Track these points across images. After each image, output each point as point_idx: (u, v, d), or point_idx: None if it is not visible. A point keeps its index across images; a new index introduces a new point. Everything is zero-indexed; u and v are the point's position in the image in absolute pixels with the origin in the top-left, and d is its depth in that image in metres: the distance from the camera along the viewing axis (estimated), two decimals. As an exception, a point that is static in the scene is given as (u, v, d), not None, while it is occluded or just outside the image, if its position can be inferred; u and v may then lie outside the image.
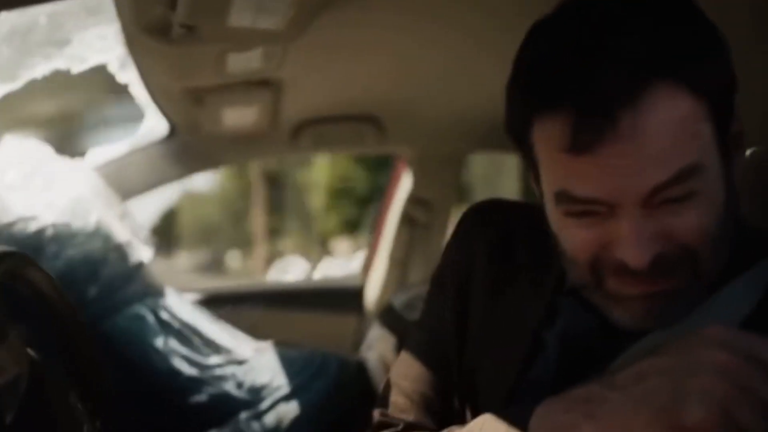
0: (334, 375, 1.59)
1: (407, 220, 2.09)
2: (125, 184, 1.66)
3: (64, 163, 1.47)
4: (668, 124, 0.62)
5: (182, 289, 1.72)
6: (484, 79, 1.56)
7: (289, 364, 1.54)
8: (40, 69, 1.25)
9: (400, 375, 0.87)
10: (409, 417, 0.83)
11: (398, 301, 1.82)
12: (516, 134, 0.70)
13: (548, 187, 0.68)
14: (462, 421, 0.79)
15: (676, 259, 0.65)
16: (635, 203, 0.63)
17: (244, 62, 1.31)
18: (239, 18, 1.07)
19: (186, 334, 1.47)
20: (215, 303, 1.83)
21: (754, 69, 1.16)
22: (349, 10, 1.12)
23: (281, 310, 2.04)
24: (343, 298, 2.15)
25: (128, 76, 1.42)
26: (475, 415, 0.77)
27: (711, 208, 0.65)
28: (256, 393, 1.47)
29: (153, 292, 1.48)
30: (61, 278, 1.19)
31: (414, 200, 2.06)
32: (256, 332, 1.66)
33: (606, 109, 0.61)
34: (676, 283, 0.65)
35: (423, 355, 0.86)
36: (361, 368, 1.71)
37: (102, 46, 1.29)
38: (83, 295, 1.33)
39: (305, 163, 11.04)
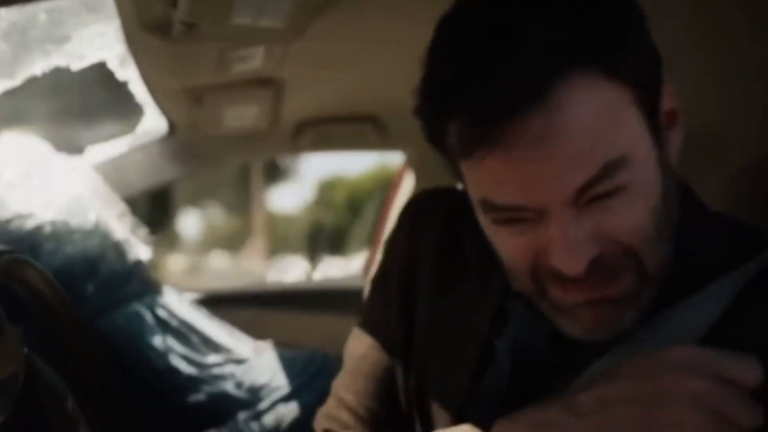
0: (334, 375, 1.58)
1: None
2: (124, 182, 1.65)
3: (62, 160, 1.47)
4: (586, 118, 0.57)
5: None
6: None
7: (288, 365, 1.54)
8: (39, 66, 1.24)
9: (343, 388, 0.83)
10: None
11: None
12: (434, 143, 0.64)
13: (472, 195, 0.63)
14: (411, 429, 0.76)
15: (617, 261, 0.60)
16: (562, 205, 0.58)
17: (244, 61, 1.31)
18: (241, 16, 1.07)
19: (184, 333, 1.47)
20: (214, 302, 1.83)
21: (752, 70, 1.17)
22: (351, 10, 1.12)
23: (281, 309, 2.03)
24: (343, 299, 2.15)
25: (128, 73, 1.41)
26: (425, 423, 0.75)
27: (646, 200, 0.60)
28: (255, 393, 1.46)
29: (151, 290, 1.48)
30: (58, 275, 1.18)
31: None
32: (255, 332, 1.65)
33: (509, 109, 0.56)
34: (622, 288, 0.61)
35: (367, 366, 0.82)
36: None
37: (101, 43, 1.28)
38: (81, 292, 1.33)
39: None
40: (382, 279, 0.84)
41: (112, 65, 1.38)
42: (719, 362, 0.55)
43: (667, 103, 0.64)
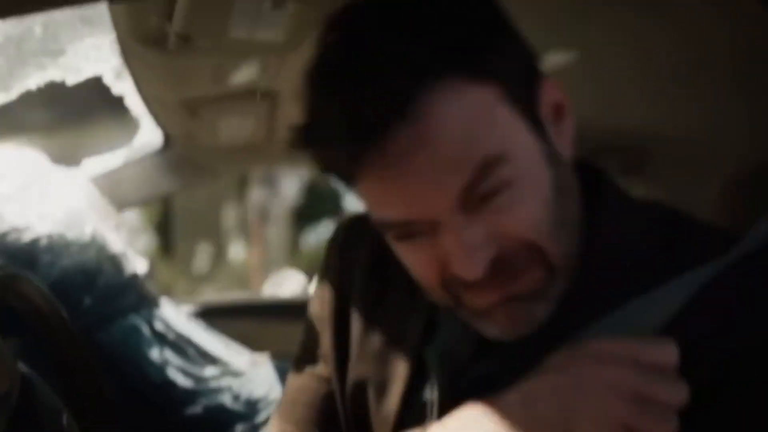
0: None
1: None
2: (120, 195, 1.65)
3: (59, 173, 1.47)
4: (452, 125, 0.57)
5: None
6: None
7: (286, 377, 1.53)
8: (34, 79, 1.24)
9: (283, 417, 0.83)
10: None
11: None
12: (327, 174, 0.65)
13: (370, 216, 0.64)
14: None
15: (520, 257, 0.60)
16: (449, 213, 0.58)
17: (240, 73, 1.31)
18: (237, 29, 1.07)
19: (181, 346, 1.46)
20: (211, 314, 1.83)
21: (735, 82, 1.17)
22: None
23: (278, 322, 2.03)
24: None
25: (124, 86, 1.41)
26: None
27: (536, 193, 0.60)
28: (253, 406, 1.46)
29: (148, 303, 1.47)
30: (55, 288, 1.18)
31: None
32: (252, 344, 1.65)
33: (373, 129, 0.56)
34: (529, 282, 0.61)
35: (306, 395, 0.82)
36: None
37: (97, 56, 1.28)
38: (78, 305, 1.32)
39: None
40: (316, 310, 0.83)
41: (108, 78, 1.38)
42: (635, 349, 0.55)
43: (551, 96, 0.64)
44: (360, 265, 0.80)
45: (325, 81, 0.60)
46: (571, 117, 0.66)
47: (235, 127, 1.58)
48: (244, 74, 1.31)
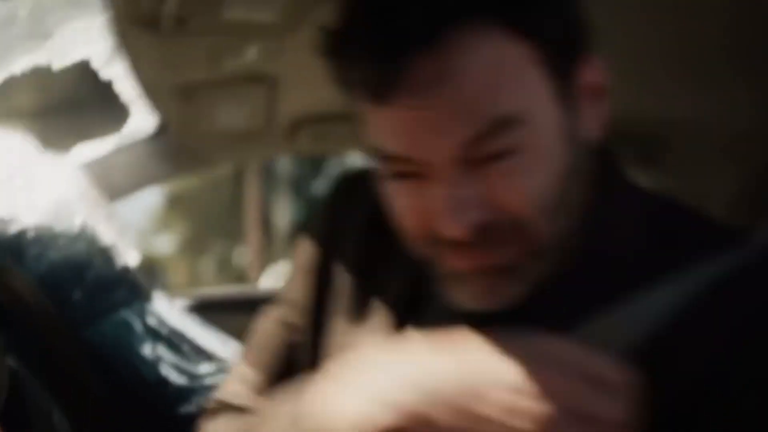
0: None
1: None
2: (111, 184, 1.63)
3: (46, 161, 1.44)
4: (477, 68, 0.56)
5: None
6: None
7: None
8: (20, 64, 1.22)
9: (247, 361, 0.84)
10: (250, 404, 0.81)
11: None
12: (344, 90, 0.63)
13: (372, 145, 0.63)
14: None
15: (504, 231, 0.59)
16: (447, 162, 0.58)
17: (237, 56, 1.30)
18: (233, 10, 1.05)
19: (175, 342, 1.44)
20: (206, 309, 1.80)
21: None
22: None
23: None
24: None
25: (115, 70, 1.39)
26: None
27: (544, 169, 0.59)
28: (249, 404, 1.44)
29: (140, 297, 1.45)
30: (43, 282, 1.17)
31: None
32: (248, 339, 1.62)
33: (398, 54, 0.56)
34: (510, 258, 0.60)
35: (273, 342, 0.83)
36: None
37: (86, 39, 1.26)
38: (67, 300, 1.30)
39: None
40: (300, 260, 0.83)
41: (97, 62, 1.35)
42: (585, 360, 0.55)
43: (590, 76, 0.63)
44: (352, 226, 0.80)
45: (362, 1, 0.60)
46: (607, 102, 0.65)
47: (232, 113, 1.57)
48: (241, 57, 1.30)
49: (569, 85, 0.61)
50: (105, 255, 1.37)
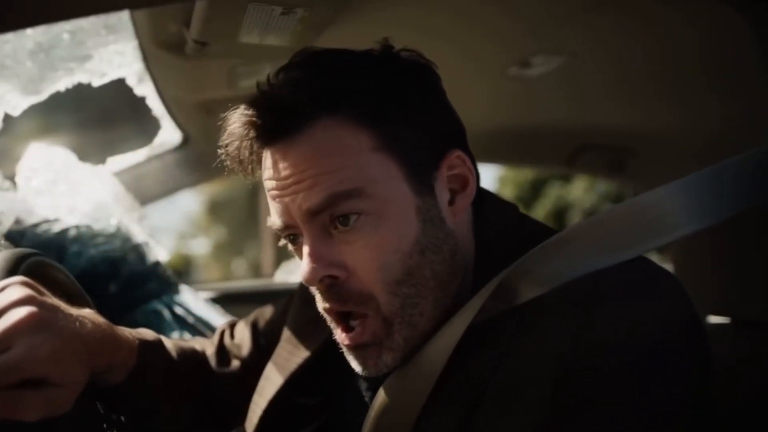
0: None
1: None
2: (143, 190, 1.64)
3: (86, 169, 1.46)
4: (322, 152, 0.62)
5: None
6: (479, 93, 1.55)
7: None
8: (63, 83, 1.24)
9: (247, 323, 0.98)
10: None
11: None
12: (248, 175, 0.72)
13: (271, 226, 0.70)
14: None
15: (354, 293, 0.63)
16: (308, 224, 0.64)
17: (253, 76, 1.30)
18: (249, 35, 1.06)
19: (200, 329, 1.46)
20: (227, 300, 1.82)
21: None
22: (354, 27, 1.11)
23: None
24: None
25: (145, 89, 1.41)
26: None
27: (391, 240, 0.63)
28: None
29: (169, 289, 1.47)
30: (82, 276, 1.18)
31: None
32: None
33: (266, 133, 0.64)
34: (369, 333, 0.64)
35: (252, 332, 0.96)
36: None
37: (121, 61, 1.28)
38: (104, 292, 1.32)
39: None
40: (280, 311, 0.96)
41: (131, 81, 1.37)
42: None
43: (457, 168, 0.68)
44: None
45: (249, 98, 0.67)
46: (469, 193, 0.69)
47: None
48: (256, 77, 1.30)
49: (428, 173, 0.65)
50: (138, 252, 1.39)
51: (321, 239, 0.64)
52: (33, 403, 0.56)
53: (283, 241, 0.70)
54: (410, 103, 0.66)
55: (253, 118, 0.65)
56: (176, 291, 1.49)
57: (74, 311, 0.65)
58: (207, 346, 0.97)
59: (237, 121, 0.67)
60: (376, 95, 0.65)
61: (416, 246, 0.63)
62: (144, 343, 0.77)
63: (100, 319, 0.70)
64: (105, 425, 0.75)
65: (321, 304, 0.68)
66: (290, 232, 0.67)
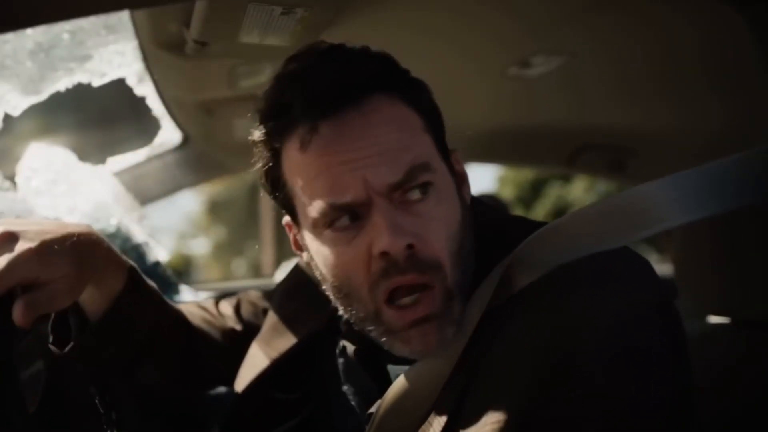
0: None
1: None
2: (143, 190, 1.64)
3: (86, 169, 1.45)
4: (390, 124, 0.64)
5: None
6: (479, 93, 1.55)
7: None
8: (63, 83, 1.23)
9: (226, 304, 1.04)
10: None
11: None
12: (270, 177, 0.70)
13: (311, 213, 0.66)
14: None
15: (429, 263, 0.63)
16: (383, 196, 0.63)
17: (253, 76, 1.31)
18: (249, 35, 1.06)
19: (200, 329, 1.46)
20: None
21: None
22: (354, 27, 1.11)
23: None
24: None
25: (145, 89, 1.40)
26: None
27: (451, 213, 0.66)
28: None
29: (169, 289, 1.47)
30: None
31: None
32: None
33: (329, 104, 0.63)
34: (434, 306, 0.64)
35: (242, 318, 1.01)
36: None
37: (121, 61, 1.28)
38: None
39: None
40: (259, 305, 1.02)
41: (131, 81, 1.37)
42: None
43: (458, 163, 0.71)
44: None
45: (299, 75, 0.66)
46: (469, 190, 0.73)
47: (249, 127, 1.57)
48: (256, 77, 1.30)
49: (448, 158, 0.69)
50: (138, 251, 1.38)
51: (396, 212, 0.63)
52: (25, 305, 0.63)
53: (316, 229, 0.67)
54: (431, 96, 0.70)
55: (311, 87, 0.64)
56: (176, 291, 1.48)
57: (56, 222, 0.71)
58: (189, 309, 0.99)
59: (286, 88, 0.66)
60: (415, 81, 0.69)
61: (462, 222, 0.67)
62: (133, 269, 0.80)
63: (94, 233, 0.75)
64: (105, 425, 0.75)
65: (383, 284, 0.64)
66: (354, 210, 0.64)
